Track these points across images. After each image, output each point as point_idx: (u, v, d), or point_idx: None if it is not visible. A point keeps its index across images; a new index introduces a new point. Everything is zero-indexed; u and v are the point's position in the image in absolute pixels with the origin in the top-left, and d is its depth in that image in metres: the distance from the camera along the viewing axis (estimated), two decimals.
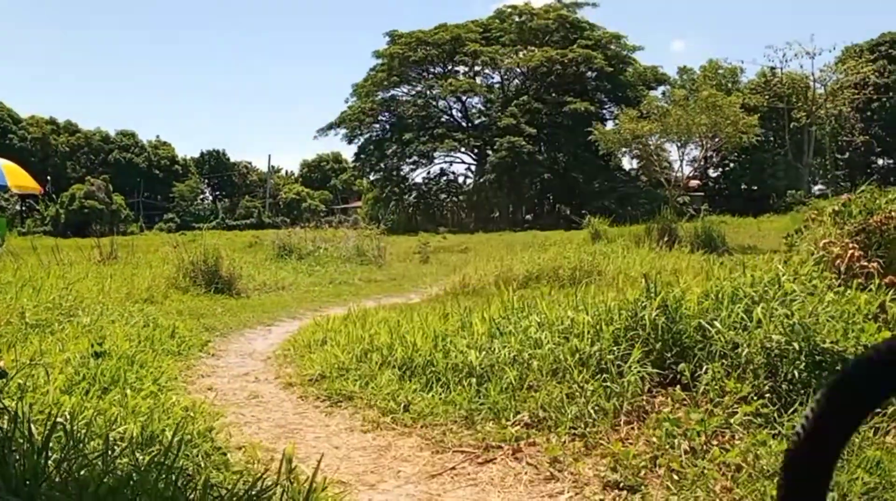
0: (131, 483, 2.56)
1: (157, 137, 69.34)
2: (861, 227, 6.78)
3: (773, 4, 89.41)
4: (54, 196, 54.11)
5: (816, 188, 47.77)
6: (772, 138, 47.09)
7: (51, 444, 2.86)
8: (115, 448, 3.00)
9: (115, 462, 2.79)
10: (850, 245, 5.25)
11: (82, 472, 2.64)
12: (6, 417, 2.96)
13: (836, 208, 7.15)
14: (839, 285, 4.62)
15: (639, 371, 4.20)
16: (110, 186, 54.99)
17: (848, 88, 44.45)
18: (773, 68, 46.75)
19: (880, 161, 52.42)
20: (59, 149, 60.98)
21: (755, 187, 47.82)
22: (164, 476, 2.66)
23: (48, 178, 60.09)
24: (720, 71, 47.43)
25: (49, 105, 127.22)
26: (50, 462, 2.75)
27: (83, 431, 3.14)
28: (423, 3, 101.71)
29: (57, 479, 2.60)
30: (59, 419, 3.08)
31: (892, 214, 6.92)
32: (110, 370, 4.82)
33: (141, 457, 2.94)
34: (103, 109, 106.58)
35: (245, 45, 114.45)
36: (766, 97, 44.11)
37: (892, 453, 3.15)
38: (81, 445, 2.93)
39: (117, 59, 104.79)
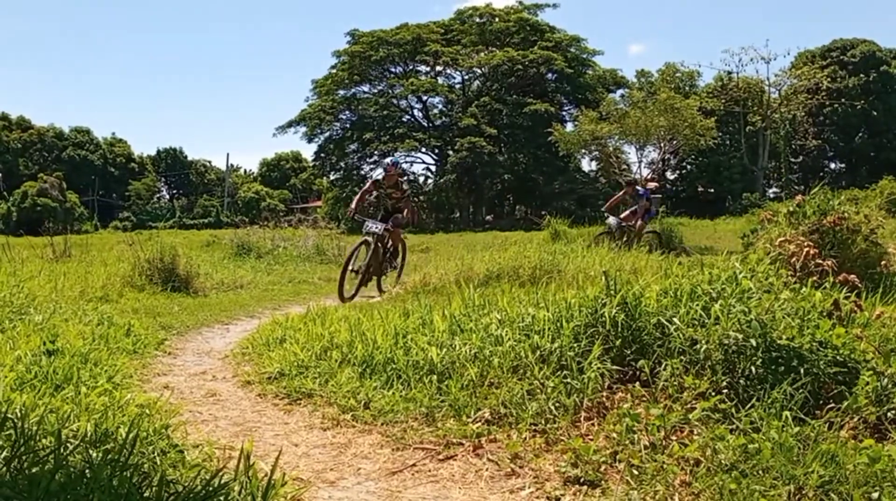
0: (84, 479, 2.50)
1: (113, 134, 68.45)
2: (815, 227, 6.92)
3: (729, 10, 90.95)
4: (6, 194, 53.02)
5: (771, 191, 48.71)
6: (728, 142, 47.89)
7: (0, 441, 2.78)
8: (68, 445, 2.92)
9: (67, 459, 2.72)
10: (806, 243, 5.33)
11: (33, 469, 2.57)
12: None
13: (791, 208, 7.28)
14: (795, 283, 4.68)
15: (599, 368, 4.21)
16: (64, 183, 54.04)
17: (801, 93, 45.35)
18: (729, 73, 47.57)
19: (832, 165, 53.62)
20: (11, 145, 59.72)
21: (711, 190, 48.57)
22: (118, 472, 2.60)
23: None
24: (678, 74, 48.05)
25: (1, 101, 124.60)
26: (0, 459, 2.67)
27: (34, 428, 3.07)
28: (384, 4, 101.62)
29: (7, 477, 2.52)
30: (9, 416, 3.00)
31: (845, 215, 7.07)
32: (63, 367, 4.71)
33: (94, 454, 2.87)
34: (57, 105, 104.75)
35: (203, 41, 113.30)
36: (723, 101, 44.79)
37: (846, 447, 3.20)
38: (32, 442, 2.85)
39: (73, 54, 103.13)
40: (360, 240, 10.94)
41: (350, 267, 10.48)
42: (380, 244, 10.63)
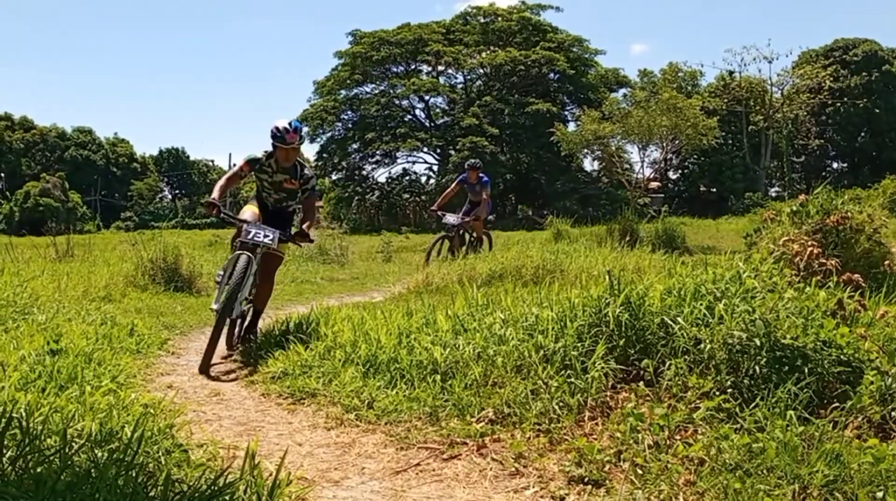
0: (90, 479, 2.51)
1: (115, 134, 68.29)
2: (818, 226, 6.92)
3: (731, 9, 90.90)
4: (8, 194, 53.08)
5: (773, 191, 48.67)
6: (730, 141, 47.85)
7: (5, 441, 2.79)
8: (73, 444, 2.93)
9: (72, 459, 2.72)
10: (809, 243, 5.33)
11: (39, 469, 2.58)
12: None
13: (794, 208, 7.28)
14: (798, 282, 4.68)
15: (602, 367, 4.21)
16: (66, 183, 54.08)
17: (803, 92, 45.31)
18: (731, 72, 47.55)
19: (835, 164, 53.54)
20: (13, 145, 59.74)
21: (714, 189, 48.56)
22: (123, 472, 2.60)
23: (1, 175, 58.99)
24: (680, 74, 48.01)
25: (4, 101, 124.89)
26: (5, 459, 2.68)
27: (39, 428, 3.07)
28: (385, 4, 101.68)
29: (12, 476, 2.53)
30: (14, 416, 3.01)
31: (848, 214, 7.07)
32: (67, 367, 4.72)
33: (100, 453, 2.88)
34: (60, 105, 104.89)
35: (205, 41, 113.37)
36: (725, 100, 44.74)
37: (850, 446, 3.20)
38: (38, 441, 2.86)
39: (75, 54, 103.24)
40: (240, 259, 6.26)
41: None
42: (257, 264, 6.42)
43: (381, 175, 50.96)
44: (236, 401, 5.05)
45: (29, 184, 52.72)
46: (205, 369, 5.96)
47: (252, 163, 6.72)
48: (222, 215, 6.69)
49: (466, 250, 12.64)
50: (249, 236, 6.35)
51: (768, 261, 4.92)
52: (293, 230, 6.88)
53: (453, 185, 14.02)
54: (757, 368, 3.89)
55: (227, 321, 6.25)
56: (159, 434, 3.51)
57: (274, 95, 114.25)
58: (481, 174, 13.48)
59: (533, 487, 3.33)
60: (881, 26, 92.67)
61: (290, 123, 6.50)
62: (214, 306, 6.25)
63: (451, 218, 13.08)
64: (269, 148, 6.63)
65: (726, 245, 16.81)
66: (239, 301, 6.14)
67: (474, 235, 13.31)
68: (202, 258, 13.61)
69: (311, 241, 6.97)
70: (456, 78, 52.10)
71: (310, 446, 4.04)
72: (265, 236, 6.36)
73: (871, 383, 3.68)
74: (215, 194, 6.47)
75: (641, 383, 4.10)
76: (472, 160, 14.46)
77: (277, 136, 6.47)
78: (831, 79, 46.10)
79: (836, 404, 3.65)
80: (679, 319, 4.34)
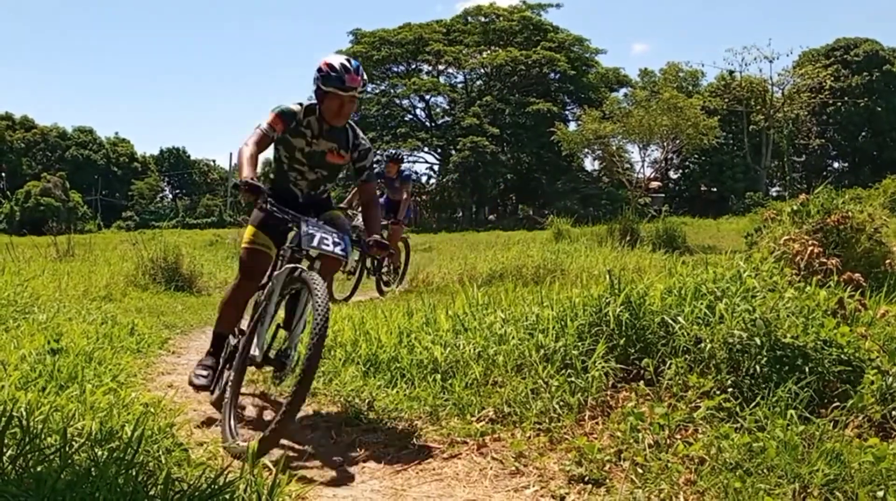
0: (90, 477, 2.51)
1: (116, 133, 68.39)
2: (819, 226, 6.91)
3: (732, 9, 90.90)
4: (9, 193, 53.12)
5: (774, 190, 48.74)
6: (731, 141, 47.92)
7: (6, 440, 2.79)
8: (73, 443, 2.93)
9: (72, 458, 2.72)
10: (810, 242, 5.33)
11: (39, 468, 2.58)
12: None
13: (795, 207, 7.28)
14: (799, 282, 4.68)
15: (603, 367, 4.21)
16: (67, 183, 54.13)
17: (804, 92, 45.38)
18: (732, 72, 47.62)
19: (836, 164, 53.61)
20: (14, 145, 59.80)
21: (714, 189, 48.63)
22: (123, 471, 2.60)
23: (2, 175, 59.02)
24: (681, 73, 48.11)
25: (4, 100, 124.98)
26: (5, 457, 2.68)
27: (40, 427, 3.07)
28: (386, 4, 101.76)
29: (13, 475, 2.53)
30: (14, 415, 3.01)
31: (849, 213, 7.06)
32: (67, 366, 4.71)
33: (100, 452, 2.88)
34: (61, 105, 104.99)
35: (206, 40, 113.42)
36: (726, 100, 44.84)
37: (851, 445, 3.19)
38: (38, 440, 2.86)
39: (75, 54, 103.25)
40: (314, 281, 3.91)
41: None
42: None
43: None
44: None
45: (30, 183, 52.77)
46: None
47: (287, 117, 4.43)
48: (268, 205, 4.28)
49: (377, 278, 10.75)
50: (313, 242, 4.11)
51: (769, 260, 4.92)
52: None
53: None
54: (757, 367, 3.88)
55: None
56: (160, 433, 3.50)
57: (274, 96, 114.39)
58: (403, 168, 11.18)
59: (533, 486, 3.33)
60: (882, 26, 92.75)
61: (348, 60, 4.33)
62: (257, 352, 4.16)
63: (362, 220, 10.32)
64: (305, 103, 4.55)
65: (727, 245, 16.80)
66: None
67: (386, 262, 10.80)
68: (202, 258, 13.65)
69: (392, 253, 4.70)
70: (456, 78, 52.25)
71: (310, 445, 4.04)
72: (334, 244, 4.15)
73: (872, 382, 3.67)
74: (247, 171, 4.25)
75: (642, 382, 4.09)
76: (393, 151, 11.89)
77: (332, 76, 4.26)
78: (832, 78, 46.19)
79: (837, 403, 3.64)
80: (679, 318, 4.34)
